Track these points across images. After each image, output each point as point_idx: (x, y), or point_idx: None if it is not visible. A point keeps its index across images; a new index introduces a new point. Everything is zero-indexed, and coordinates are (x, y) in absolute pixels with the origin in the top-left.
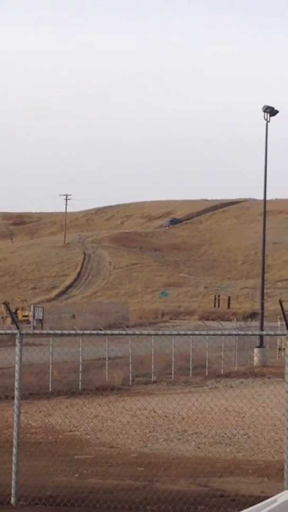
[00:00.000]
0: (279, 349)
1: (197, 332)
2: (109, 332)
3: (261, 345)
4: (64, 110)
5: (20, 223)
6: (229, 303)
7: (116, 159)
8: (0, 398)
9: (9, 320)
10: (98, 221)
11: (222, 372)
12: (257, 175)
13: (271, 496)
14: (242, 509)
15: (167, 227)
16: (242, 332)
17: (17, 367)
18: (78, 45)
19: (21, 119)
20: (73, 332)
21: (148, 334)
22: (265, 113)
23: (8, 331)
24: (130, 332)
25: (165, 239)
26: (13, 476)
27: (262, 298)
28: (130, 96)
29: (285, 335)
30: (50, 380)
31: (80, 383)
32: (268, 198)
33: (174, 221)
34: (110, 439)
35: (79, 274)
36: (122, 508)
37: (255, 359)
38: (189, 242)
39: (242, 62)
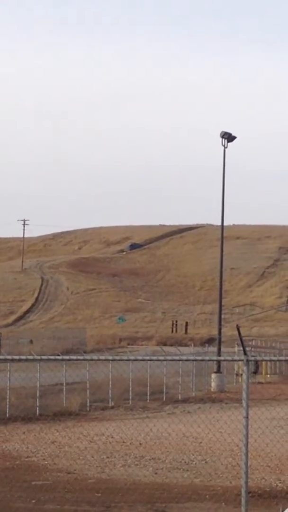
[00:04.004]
0: (237, 375)
1: (154, 358)
2: (66, 357)
3: (218, 371)
4: (20, 133)
5: None
6: (186, 329)
7: (74, 184)
8: None
9: None
10: (55, 246)
11: (179, 398)
12: (214, 200)
13: None
14: None
15: (125, 252)
16: (199, 358)
17: None
18: (25, 66)
19: None
20: (30, 357)
21: (106, 360)
22: (223, 139)
23: None
24: (88, 357)
25: (123, 264)
26: None
27: (220, 324)
28: (86, 120)
29: (242, 360)
30: (8, 405)
31: (37, 408)
32: (225, 223)
33: (134, 246)
34: (67, 465)
35: (36, 299)
36: None
37: (213, 384)
38: (147, 267)
39: (199, 87)
